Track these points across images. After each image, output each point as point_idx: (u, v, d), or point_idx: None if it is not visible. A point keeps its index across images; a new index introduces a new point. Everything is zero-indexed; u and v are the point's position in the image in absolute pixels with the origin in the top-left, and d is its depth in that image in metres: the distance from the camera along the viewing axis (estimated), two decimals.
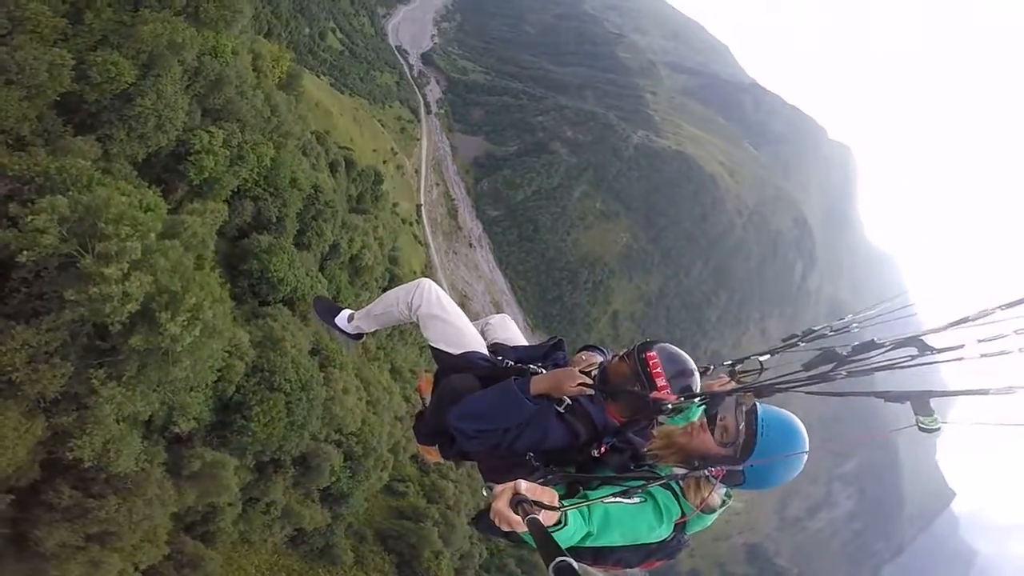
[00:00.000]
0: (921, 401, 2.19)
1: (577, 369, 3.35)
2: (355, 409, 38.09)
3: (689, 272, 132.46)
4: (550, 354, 3.83)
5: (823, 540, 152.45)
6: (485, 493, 2.96)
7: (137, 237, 20.87)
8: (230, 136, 33.12)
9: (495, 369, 3.66)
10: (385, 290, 5.58)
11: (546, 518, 2.12)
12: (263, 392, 30.14)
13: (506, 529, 2.14)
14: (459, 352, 3.73)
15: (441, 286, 4.13)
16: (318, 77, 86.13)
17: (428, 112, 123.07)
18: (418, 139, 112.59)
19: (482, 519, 2.68)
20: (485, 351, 3.83)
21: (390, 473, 45.08)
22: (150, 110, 27.16)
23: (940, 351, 2.22)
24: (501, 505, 2.13)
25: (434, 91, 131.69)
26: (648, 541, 2.79)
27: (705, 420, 2.94)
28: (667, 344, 3.18)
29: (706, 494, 2.84)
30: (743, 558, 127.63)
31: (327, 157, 53.61)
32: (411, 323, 4.03)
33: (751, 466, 2.72)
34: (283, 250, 37.31)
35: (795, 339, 3.19)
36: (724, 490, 2.92)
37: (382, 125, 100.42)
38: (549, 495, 2.22)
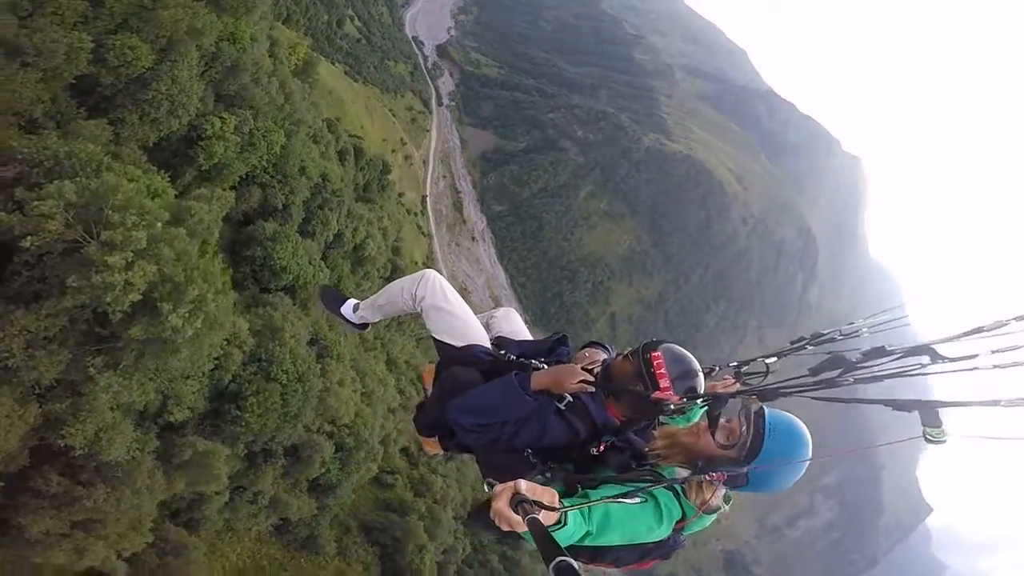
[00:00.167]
0: (930, 411, 2.13)
1: (579, 366, 3.32)
2: (349, 401, 37.98)
3: (689, 278, 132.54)
4: (554, 349, 3.79)
5: (800, 549, 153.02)
6: (486, 489, 3.00)
7: (143, 226, 20.72)
8: (242, 123, 32.87)
9: (497, 363, 3.62)
10: (388, 280, 5.54)
11: (546, 518, 2.13)
12: (259, 382, 29.94)
13: (506, 529, 2.16)
14: (462, 345, 3.69)
15: None
16: (333, 64, 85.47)
17: (440, 104, 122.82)
18: (428, 130, 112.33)
19: (479, 516, 2.69)
20: (488, 344, 3.78)
21: (379, 465, 45.04)
22: (164, 95, 26.92)
23: (953, 360, 2.16)
24: (501, 505, 2.14)
25: (447, 83, 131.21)
26: (646, 541, 2.79)
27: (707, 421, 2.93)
28: (672, 344, 3.16)
29: (708, 495, 2.83)
30: (721, 564, 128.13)
31: (337, 145, 53.37)
32: (415, 314, 3.96)
33: (755, 469, 2.73)
34: (287, 238, 37.07)
35: (803, 342, 3.17)
36: (724, 491, 2.91)
37: (393, 115, 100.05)
38: (549, 495, 2.23)
